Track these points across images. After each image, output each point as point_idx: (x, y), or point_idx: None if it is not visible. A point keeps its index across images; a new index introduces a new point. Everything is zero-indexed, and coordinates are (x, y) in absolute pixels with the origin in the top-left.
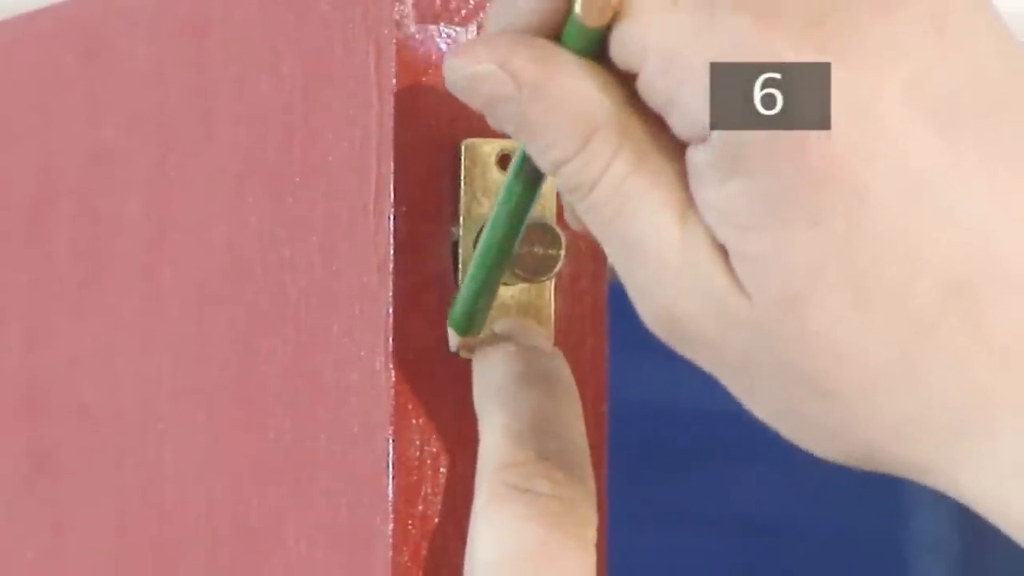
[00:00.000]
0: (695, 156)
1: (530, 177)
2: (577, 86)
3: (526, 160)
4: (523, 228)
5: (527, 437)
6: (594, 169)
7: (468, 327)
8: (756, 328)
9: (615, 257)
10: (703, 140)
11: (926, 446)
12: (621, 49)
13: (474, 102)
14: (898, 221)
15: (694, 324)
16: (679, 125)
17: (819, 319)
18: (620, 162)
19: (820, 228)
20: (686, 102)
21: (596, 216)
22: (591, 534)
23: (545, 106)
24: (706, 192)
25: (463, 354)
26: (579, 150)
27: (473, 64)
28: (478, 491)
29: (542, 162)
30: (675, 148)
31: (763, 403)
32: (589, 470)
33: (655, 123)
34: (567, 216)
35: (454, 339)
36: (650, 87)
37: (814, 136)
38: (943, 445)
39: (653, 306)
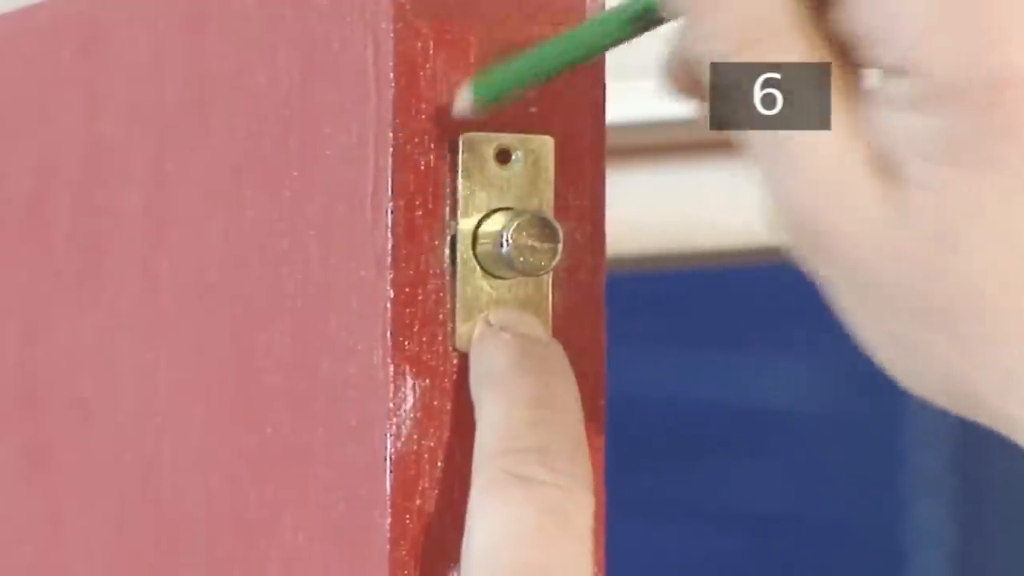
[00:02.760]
0: (892, 84)
1: (643, 25)
2: None
3: (648, 11)
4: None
5: (523, 424)
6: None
7: (491, 95)
8: (903, 254)
9: (761, 159)
10: (904, 73)
11: None
12: None
13: None
14: None
15: (835, 238)
16: (882, 55)
17: (970, 260)
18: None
19: (994, 174)
20: (896, 36)
21: None
22: (588, 520)
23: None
24: (895, 116)
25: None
26: (744, 49)
27: None
28: (475, 479)
29: (697, 48)
30: (847, 67)
31: (878, 327)
32: (586, 457)
33: (828, 37)
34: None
35: (466, 98)
36: (853, 16)
37: (1009, 91)
38: None
39: (797, 211)
